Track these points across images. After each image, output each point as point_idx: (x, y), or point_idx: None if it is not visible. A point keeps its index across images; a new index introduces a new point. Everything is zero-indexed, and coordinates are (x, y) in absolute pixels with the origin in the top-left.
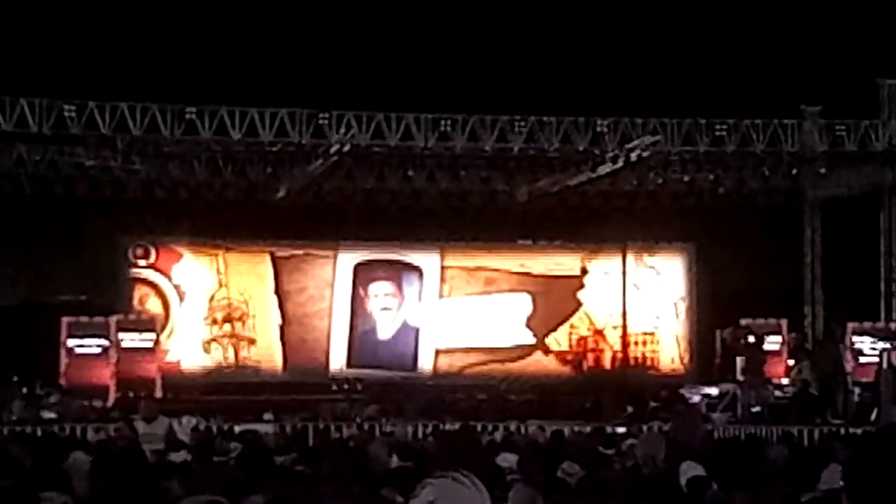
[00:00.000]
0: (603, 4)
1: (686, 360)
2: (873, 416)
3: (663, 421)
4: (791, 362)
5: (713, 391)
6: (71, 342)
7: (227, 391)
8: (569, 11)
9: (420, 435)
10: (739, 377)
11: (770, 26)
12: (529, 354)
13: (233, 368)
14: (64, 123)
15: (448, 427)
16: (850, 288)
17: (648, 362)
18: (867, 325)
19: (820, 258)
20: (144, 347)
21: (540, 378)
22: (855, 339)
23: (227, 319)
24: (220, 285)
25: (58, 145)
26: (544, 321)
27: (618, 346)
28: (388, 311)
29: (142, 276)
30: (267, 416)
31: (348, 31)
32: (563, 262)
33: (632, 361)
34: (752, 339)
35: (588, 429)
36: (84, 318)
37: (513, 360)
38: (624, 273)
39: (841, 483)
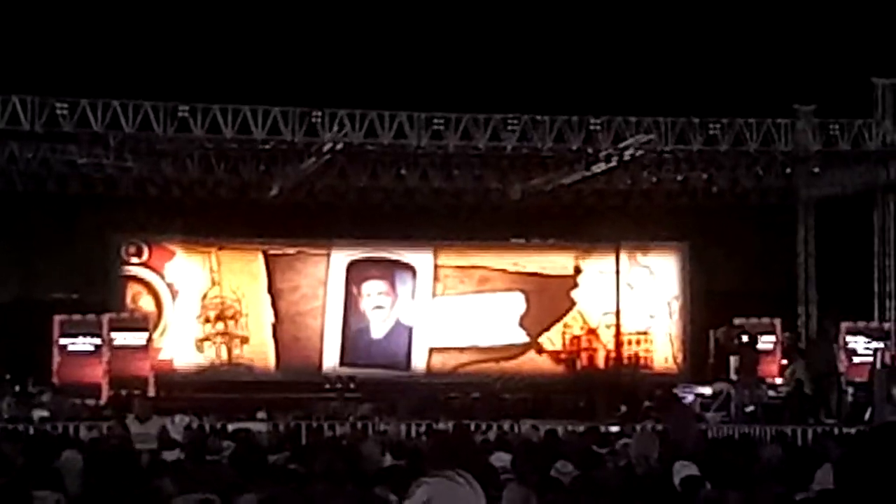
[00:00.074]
0: (596, 3)
1: (679, 359)
2: (867, 416)
3: (657, 420)
4: (785, 362)
5: (707, 391)
6: (63, 340)
7: (220, 389)
8: (562, 10)
9: (413, 434)
10: (733, 377)
11: (764, 25)
12: (523, 353)
13: (226, 367)
14: (56, 121)
15: (441, 426)
16: (844, 287)
17: (642, 361)
18: (861, 324)
19: (813, 257)
20: (137, 346)
21: (534, 377)
22: (848, 338)
23: (220, 318)
24: (213, 283)
25: (50, 143)
26: (538, 320)
27: (611, 346)
28: (382, 309)
29: (134, 274)
30: (260, 414)
31: (341, 30)
32: (556, 261)
33: (625, 361)
34: (745, 338)
35: (582, 428)
36: (76, 317)
37: (506, 359)
38: (617, 272)
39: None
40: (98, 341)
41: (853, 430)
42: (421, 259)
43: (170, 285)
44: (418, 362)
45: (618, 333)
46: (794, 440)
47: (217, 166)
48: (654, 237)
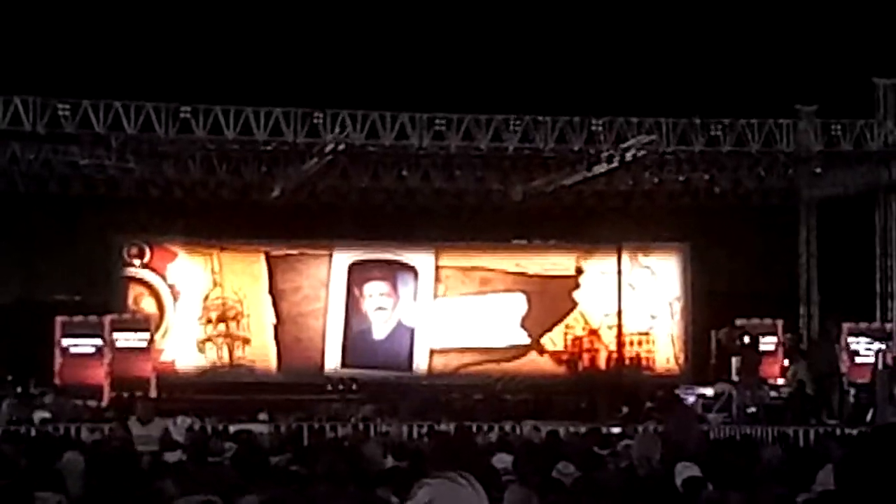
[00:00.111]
0: (598, 4)
1: (681, 360)
2: (869, 417)
3: (658, 421)
4: (786, 363)
5: (708, 391)
6: (65, 341)
7: (222, 391)
8: (563, 11)
9: (415, 435)
10: (735, 377)
11: (765, 26)
12: (524, 354)
13: (227, 368)
14: (58, 122)
15: (443, 427)
16: (846, 288)
17: (644, 362)
18: (863, 325)
19: (815, 258)
20: (139, 347)
21: (535, 378)
22: (850, 339)
23: (222, 319)
24: (215, 284)
25: (52, 144)
26: (539, 321)
27: (613, 347)
28: (383, 310)
29: (136, 276)
30: (262, 415)
31: (343, 31)
32: (558, 262)
33: (627, 361)
34: (747, 339)
35: (583, 429)
36: (78, 318)
37: (508, 360)
38: (619, 273)
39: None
40: (100, 342)
41: (855, 431)
42: (422, 260)
43: (171, 286)
44: (420, 363)
45: (619, 334)
46: (796, 441)
47: (219, 167)
48: (655, 238)
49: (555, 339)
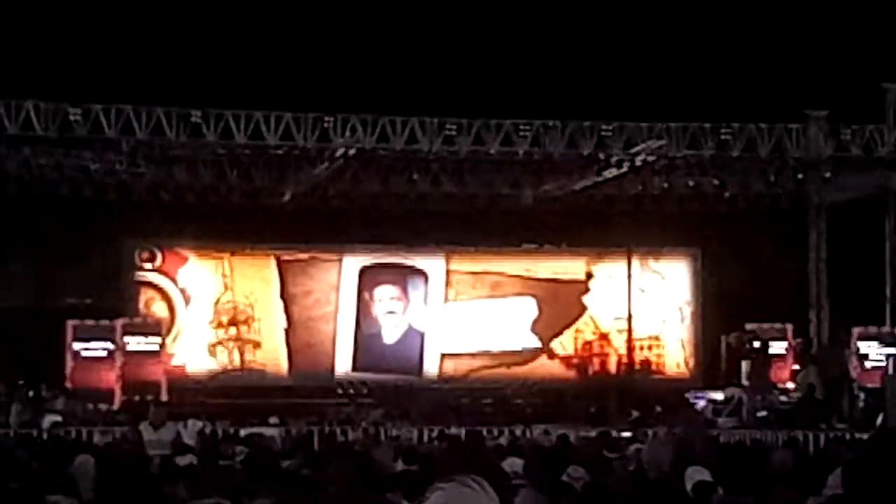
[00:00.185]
0: (608, 9)
1: (691, 364)
2: (879, 421)
3: (668, 426)
4: (796, 367)
5: (718, 396)
6: (76, 345)
7: (233, 395)
8: (574, 16)
9: (426, 439)
10: (745, 382)
11: (775, 31)
12: (535, 359)
13: (238, 372)
14: (70, 127)
15: (454, 431)
16: (856, 293)
17: (654, 367)
18: (873, 329)
19: (825, 263)
20: (150, 351)
21: (545, 382)
22: (860, 343)
23: (233, 323)
24: (226, 289)
25: (63, 148)
26: (549, 325)
27: (623, 351)
28: (394, 314)
29: (147, 280)
30: (272, 419)
31: (354, 36)
32: (568, 267)
33: (637, 366)
34: (757, 343)
35: (594, 433)
36: (90, 322)
37: (518, 365)
38: (629, 277)
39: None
40: (111, 346)
41: (865, 436)
42: (433, 264)
43: (182, 290)
44: (430, 368)
45: (629, 338)
46: (806, 445)
47: (230, 172)
48: (665, 242)
49: (565, 344)
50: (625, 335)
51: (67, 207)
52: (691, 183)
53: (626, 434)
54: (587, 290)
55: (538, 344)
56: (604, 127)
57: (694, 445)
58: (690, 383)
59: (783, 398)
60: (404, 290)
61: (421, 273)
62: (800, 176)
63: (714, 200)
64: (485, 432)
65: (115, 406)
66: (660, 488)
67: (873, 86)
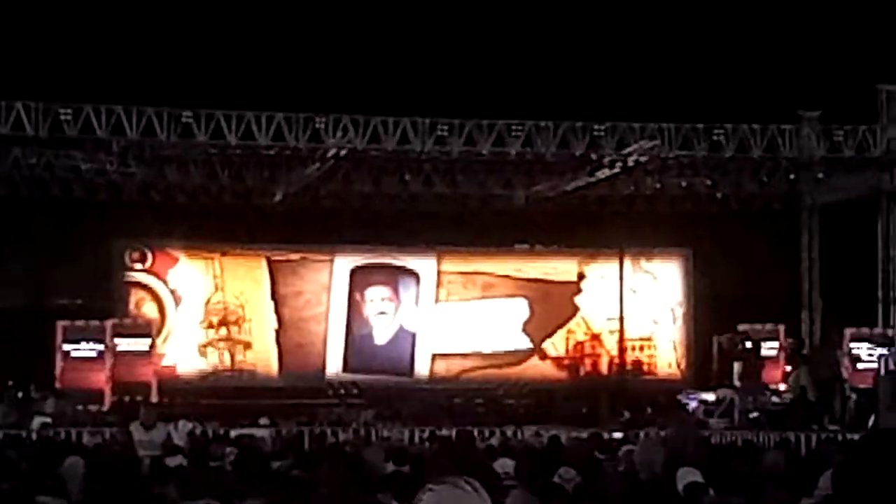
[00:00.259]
0: (600, 9)
1: (683, 365)
2: (871, 422)
3: (660, 427)
4: (788, 368)
5: (710, 397)
6: (66, 346)
7: (223, 395)
8: (566, 16)
9: (416, 440)
10: (736, 383)
11: (768, 31)
12: (526, 359)
13: (229, 373)
14: (60, 127)
15: (445, 432)
16: (848, 293)
17: (645, 367)
18: (865, 330)
19: (817, 263)
20: (140, 351)
21: (537, 383)
22: (852, 344)
23: (223, 323)
24: (216, 289)
25: (54, 148)
26: (541, 326)
27: (615, 352)
28: (385, 315)
29: (138, 280)
30: (263, 420)
31: (345, 35)
32: (559, 267)
33: (629, 367)
34: (749, 344)
35: (585, 434)
36: (80, 322)
37: (510, 365)
38: (621, 278)
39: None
40: (101, 347)
41: (857, 437)
42: (424, 265)
43: (173, 291)
44: (421, 368)
45: (621, 339)
46: (798, 447)
47: (221, 172)
48: (657, 243)
49: (556, 345)
50: (616, 336)
51: (58, 208)
52: (684, 183)
53: (618, 435)
54: (579, 290)
55: (530, 345)
56: (596, 127)
57: (685, 447)
58: (682, 384)
59: (775, 399)
60: (395, 291)
61: (412, 274)
62: (792, 176)
63: (706, 201)
64: (476, 433)
65: (105, 407)
66: (651, 489)
67: (866, 86)
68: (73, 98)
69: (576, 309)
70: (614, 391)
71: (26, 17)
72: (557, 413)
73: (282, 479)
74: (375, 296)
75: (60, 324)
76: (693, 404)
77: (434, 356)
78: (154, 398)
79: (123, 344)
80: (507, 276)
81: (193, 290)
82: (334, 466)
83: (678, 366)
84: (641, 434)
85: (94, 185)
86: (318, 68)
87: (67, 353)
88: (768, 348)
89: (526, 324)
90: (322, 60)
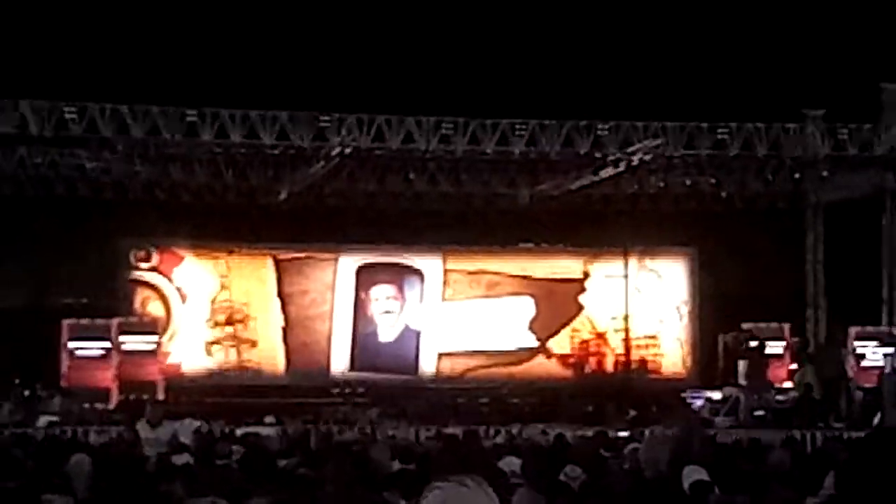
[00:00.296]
0: (604, 8)
1: (688, 363)
2: (876, 421)
3: (665, 425)
4: (793, 367)
5: (716, 395)
6: (72, 344)
7: (229, 394)
8: (570, 15)
9: (422, 438)
10: (742, 381)
11: (772, 30)
12: (531, 358)
13: (234, 371)
14: (65, 125)
15: (450, 430)
16: (853, 292)
17: (650, 366)
18: (870, 329)
19: (822, 262)
20: (146, 350)
21: (542, 382)
22: (857, 343)
23: (229, 322)
24: (222, 287)
25: (59, 147)
26: (546, 325)
27: (620, 350)
28: (390, 314)
29: (143, 279)
30: (269, 418)
31: (349, 34)
32: (564, 266)
33: (634, 365)
34: (754, 343)
35: (590, 433)
36: (85, 321)
37: (515, 364)
38: (626, 276)
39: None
40: (107, 345)
41: (862, 435)
42: (429, 264)
43: (179, 289)
44: (427, 367)
45: (626, 338)
46: (803, 445)
47: (226, 171)
48: (662, 242)
49: (562, 343)
50: (622, 334)
51: (63, 207)
52: (688, 182)
53: (623, 433)
54: (584, 289)
55: (535, 343)
56: (600, 126)
57: (690, 445)
58: (687, 383)
59: (780, 397)
60: (401, 290)
61: (417, 272)
62: (797, 175)
63: (711, 200)
64: (481, 431)
65: (111, 405)
66: (657, 488)
67: (870, 85)
68: (78, 97)
69: (581, 307)
70: (620, 389)
71: (31, 15)
72: (563, 411)
73: (288, 477)
74: (381, 294)
75: (66, 322)
76: (698, 403)
77: (439, 355)
78: (160, 396)
79: (129, 342)
80: (512, 275)
81: (199, 288)
82: (340, 465)
83: (683, 364)
84: (647, 432)
85: (99, 183)
86: (323, 67)
87: (73, 351)
88: (773, 347)
89: (531, 322)
90: (326, 59)
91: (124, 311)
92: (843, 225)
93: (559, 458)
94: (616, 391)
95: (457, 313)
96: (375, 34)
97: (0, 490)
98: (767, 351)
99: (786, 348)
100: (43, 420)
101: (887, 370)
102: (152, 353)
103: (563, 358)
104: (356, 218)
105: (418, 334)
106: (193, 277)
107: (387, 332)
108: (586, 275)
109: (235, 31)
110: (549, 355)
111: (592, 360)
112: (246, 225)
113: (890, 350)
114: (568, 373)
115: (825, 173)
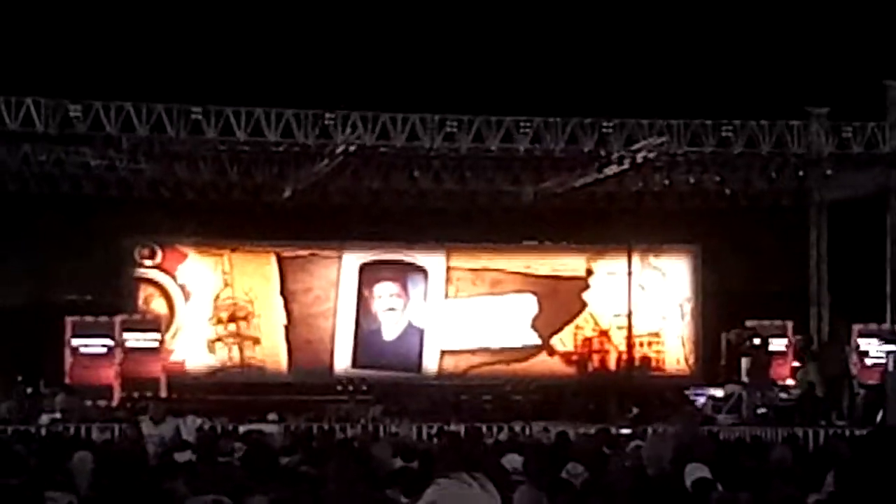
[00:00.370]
0: (609, 5)
1: (691, 361)
2: (879, 418)
3: (667, 423)
4: (796, 364)
5: (718, 393)
6: (75, 341)
7: (232, 391)
8: (575, 12)
9: (425, 436)
10: (745, 379)
11: (777, 27)
12: (535, 355)
13: (237, 368)
14: (70, 123)
15: (453, 428)
16: (856, 290)
17: (654, 363)
18: (873, 327)
19: (826, 260)
20: (149, 347)
21: (545, 379)
22: (861, 341)
23: (232, 319)
24: (226, 285)
25: (63, 145)
26: (549, 322)
27: (623, 347)
28: (393, 311)
29: (147, 276)
30: (271, 416)
31: (354, 32)
32: (568, 263)
33: (637, 363)
34: (757, 340)
35: (593, 430)
36: (88, 318)
37: (518, 361)
38: (629, 274)
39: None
40: (110, 342)
41: (865, 433)
42: (433, 261)
43: (182, 287)
44: (430, 364)
45: (629, 335)
46: (806, 442)
47: (230, 168)
48: (666, 239)
49: (565, 340)
50: (625, 332)
51: (67, 204)
52: (692, 180)
53: (626, 431)
54: (587, 286)
55: (538, 341)
56: (605, 124)
57: (686, 443)
58: (690, 380)
59: (783, 395)
60: (404, 287)
61: (421, 270)
62: (801, 173)
63: (715, 197)
64: (484, 429)
65: (114, 402)
66: (659, 485)
67: (875, 83)
68: (83, 95)
69: (584, 305)
70: (622, 387)
71: (36, 14)
72: (565, 409)
73: (290, 474)
74: (384, 292)
75: (69, 319)
76: (701, 400)
77: (442, 352)
78: (163, 394)
79: (132, 339)
80: (515, 273)
81: (202, 285)
82: (343, 462)
83: (686, 362)
84: (649, 430)
85: (104, 181)
86: (327, 65)
87: (76, 348)
88: (777, 344)
89: (534, 320)
90: (331, 57)
91: (128, 308)
92: (847, 223)
93: (561, 455)
94: (619, 388)
95: (460, 311)
96: (380, 32)
97: (2, 487)
98: (770, 348)
99: (789, 346)
100: (45, 417)
101: (890, 368)
102: (155, 350)
103: (565, 355)
104: (360, 215)
105: (421, 332)
106: (197, 275)
107: (390, 330)
108: (590, 272)
109: (240, 29)
110: (552, 353)
111: (595, 358)
112: (250, 222)
113: (893, 347)
114: (571, 370)
115: (829, 171)
